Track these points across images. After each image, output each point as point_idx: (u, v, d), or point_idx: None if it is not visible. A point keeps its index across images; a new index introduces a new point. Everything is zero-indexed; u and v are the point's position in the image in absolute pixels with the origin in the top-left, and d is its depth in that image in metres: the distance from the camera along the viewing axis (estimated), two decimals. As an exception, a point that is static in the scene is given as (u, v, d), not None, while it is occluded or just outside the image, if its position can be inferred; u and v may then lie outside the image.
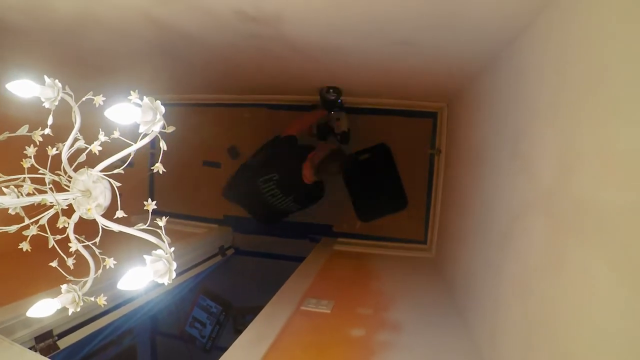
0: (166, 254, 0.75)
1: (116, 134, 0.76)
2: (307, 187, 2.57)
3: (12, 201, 0.70)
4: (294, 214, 2.83)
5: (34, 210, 0.75)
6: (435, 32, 1.42)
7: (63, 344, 1.55)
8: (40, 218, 0.78)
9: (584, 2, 0.96)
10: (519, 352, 1.15)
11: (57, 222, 0.78)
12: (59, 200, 0.74)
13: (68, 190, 0.77)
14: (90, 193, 0.78)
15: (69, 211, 0.78)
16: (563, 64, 1.06)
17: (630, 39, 0.78)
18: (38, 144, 0.78)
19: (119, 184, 0.79)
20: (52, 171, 0.77)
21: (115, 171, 0.79)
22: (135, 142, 0.76)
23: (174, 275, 0.75)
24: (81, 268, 0.79)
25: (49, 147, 0.79)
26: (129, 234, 0.76)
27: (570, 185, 0.96)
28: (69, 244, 0.79)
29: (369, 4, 1.23)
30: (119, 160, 0.79)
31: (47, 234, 0.78)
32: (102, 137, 0.77)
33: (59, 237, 0.79)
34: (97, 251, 0.78)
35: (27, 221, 0.77)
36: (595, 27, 0.90)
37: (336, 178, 2.76)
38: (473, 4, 1.18)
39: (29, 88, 0.76)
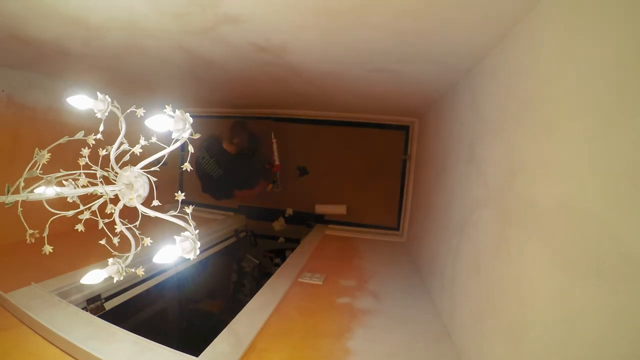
0: (192, 235, 0.76)
1: (153, 139, 0.77)
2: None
3: (70, 191, 0.70)
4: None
5: (87, 198, 0.76)
6: (407, 64, 1.43)
7: (109, 305, 1.55)
8: (92, 205, 0.78)
9: (519, 48, 0.97)
10: (471, 317, 1.16)
11: (105, 209, 0.78)
12: (107, 191, 0.74)
13: (114, 183, 0.77)
14: (132, 186, 0.78)
15: (115, 200, 0.78)
16: (507, 88, 1.07)
17: (553, 73, 0.79)
18: (91, 146, 0.78)
19: (155, 179, 0.80)
20: (102, 168, 0.77)
21: (153, 168, 0.79)
22: (169, 146, 0.76)
23: (198, 252, 0.76)
24: (124, 245, 0.80)
25: (100, 148, 0.79)
26: (162, 218, 0.76)
27: (513, 185, 0.97)
28: (115, 226, 0.79)
29: (353, 41, 1.23)
30: (155, 159, 0.79)
31: (98, 218, 0.79)
32: (142, 141, 0.78)
33: (106, 220, 0.79)
34: (137, 232, 0.79)
35: (81, 207, 0.77)
36: (528, 64, 0.92)
37: None
38: (435, 45, 1.19)
39: (84, 102, 0.76)
